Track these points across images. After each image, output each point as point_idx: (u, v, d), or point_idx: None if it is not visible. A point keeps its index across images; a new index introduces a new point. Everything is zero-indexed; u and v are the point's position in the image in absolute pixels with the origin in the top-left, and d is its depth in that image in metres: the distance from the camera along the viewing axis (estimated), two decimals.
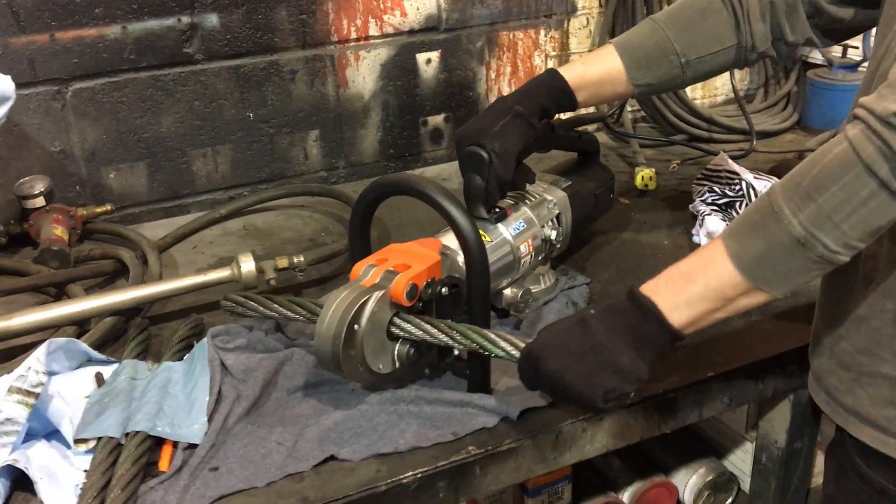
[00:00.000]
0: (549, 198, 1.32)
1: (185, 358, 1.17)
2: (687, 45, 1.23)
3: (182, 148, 1.71)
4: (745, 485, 1.45)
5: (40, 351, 1.07)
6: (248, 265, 1.31)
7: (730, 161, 1.63)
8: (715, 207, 1.56)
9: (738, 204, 1.53)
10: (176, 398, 1.10)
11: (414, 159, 1.96)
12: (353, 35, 1.78)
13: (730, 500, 1.46)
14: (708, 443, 1.51)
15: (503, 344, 1.01)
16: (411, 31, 1.84)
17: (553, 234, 1.29)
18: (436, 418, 1.08)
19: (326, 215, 1.72)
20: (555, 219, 1.32)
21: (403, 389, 1.12)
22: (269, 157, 1.80)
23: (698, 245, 1.51)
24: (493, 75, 1.97)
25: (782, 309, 1.29)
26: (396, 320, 1.06)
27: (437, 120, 1.95)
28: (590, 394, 0.93)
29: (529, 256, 1.27)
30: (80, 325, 1.24)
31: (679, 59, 1.23)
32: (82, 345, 1.15)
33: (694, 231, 1.54)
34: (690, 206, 1.62)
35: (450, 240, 1.18)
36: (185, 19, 1.62)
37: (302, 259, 1.36)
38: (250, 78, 1.72)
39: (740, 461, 1.46)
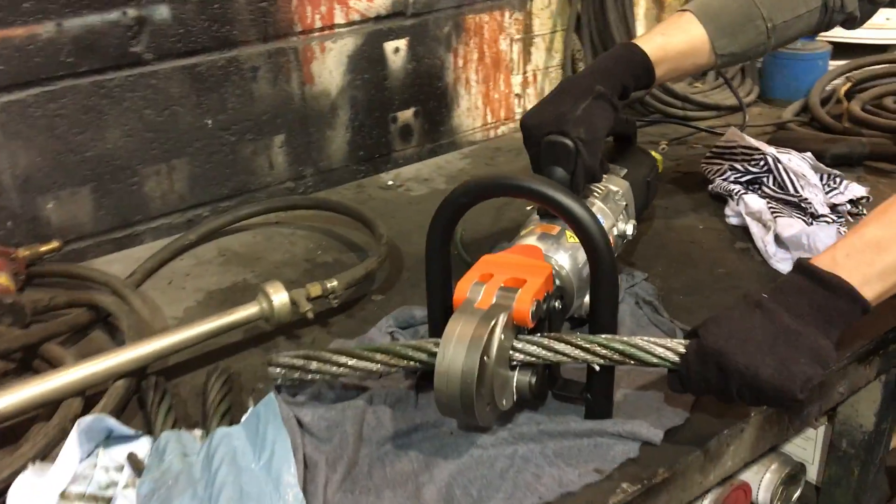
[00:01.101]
0: (615, 189, 1.18)
1: (243, 420, 0.94)
2: (773, 7, 1.12)
3: (132, 166, 1.44)
4: (810, 473, 1.37)
5: (74, 439, 0.82)
6: (280, 297, 1.09)
7: (745, 137, 1.55)
8: (741, 186, 1.48)
9: (765, 179, 1.46)
10: (253, 474, 0.87)
11: (384, 160, 1.76)
12: (318, 24, 1.57)
13: (798, 492, 1.38)
14: None
15: (658, 350, 0.86)
16: (378, 18, 1.65)
17: (628, 228, 1.16)
18: (567, 455, 0.91)
19: (311, 230, 1.50)
20: (623, 211, 1.18)
21: (517, 426, 0.95)
22: (230, 169, 1.55)
23: (735, 227, 1.42)
24: (460, 63, 1.81)
25: None
26: (519, 345, 0.89)
27: (406, 115, 1.76)
28: (790, 386, 0.80)
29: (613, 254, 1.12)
30: (81, 395, 0.98)
31: (765, 24, 1.13)
32: (109, 420, 0.90)
33: (727, 211, 1.45)
34: (710, 186, 1.53)
35: (541, 244, 1.02)
36: (132, 12, 1.36)
37: (336, 283, 1.15)
38: (207, 78, 1.47)
39: (801, 449, 1.39)
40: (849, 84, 1.95)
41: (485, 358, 0.84)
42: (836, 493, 1.30)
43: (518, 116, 1.98)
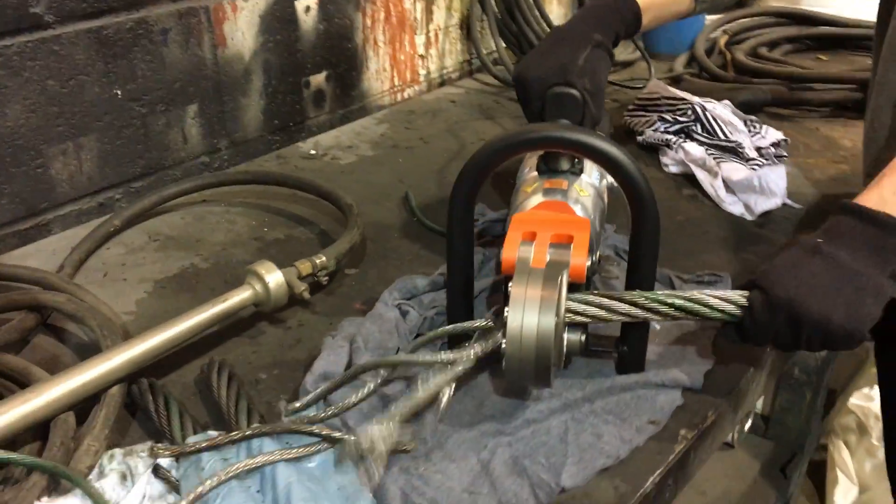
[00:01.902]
0: None
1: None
2: None
3: (36, 146, 1.25)
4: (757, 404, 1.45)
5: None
6: (275, 277, 0.99)
7: (669, 87, 1.59)
8: (672, 136, 1.52)
9: (694, 128, 1.50)
10: (309, 470, 0.79)
11: (298, 129, 1.65)
12: None
13: (749, 424, 1.46)
14: None
15: (719, 303, 0.86)
16: None
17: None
18: (617, 411, 0.90)
19: (247, 207, 1.38)
20: None
21: (558, 390, 0.92)
22: (142, 144, 1.39)
23: (676, 175, 1.46)
24: (368, 22, 1.72)
25: (815, 220, 1.29)
26: (580, 306, 0.85)
27: (319, 80, 1.66)
28: (861, 328, 0.81)
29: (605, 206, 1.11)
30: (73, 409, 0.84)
31: None
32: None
33: (665, 161, 1.49)
34: (640, 138, 1.56)
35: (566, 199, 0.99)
36: None
37: (325, 259, 1.06)
38: (115, 43, 1.30)
39: None
40: (726, 37, 2.06)
41: (557, 319, 0.80)
42: (788, 419, 1.39)
43: (423, 78, 1.92)
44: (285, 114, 1.61)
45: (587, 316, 0.85)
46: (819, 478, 2.01)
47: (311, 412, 0.86)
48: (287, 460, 0.78)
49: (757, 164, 1.42)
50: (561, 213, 0.93)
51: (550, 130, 0.88)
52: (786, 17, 2.17)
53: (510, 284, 0.82)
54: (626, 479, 0.82)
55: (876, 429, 1.96)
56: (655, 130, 1.53)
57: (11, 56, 1.18)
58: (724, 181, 1.36)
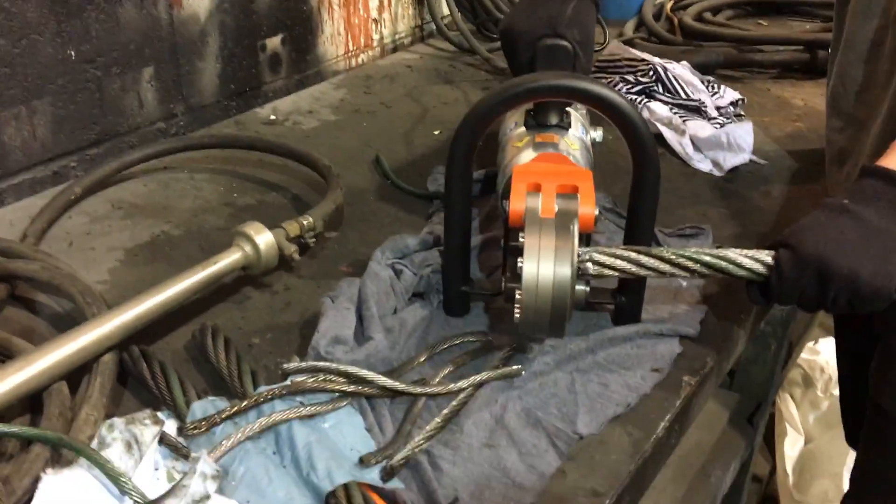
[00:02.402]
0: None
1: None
2: None
3: None
4: None
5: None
6: (265, 238, 0.96)
7: (629, 49, 1.60)
8: (635, 96, 1.53)
9: (656, 88, 1.52)
10: (320, 431, 0.77)
11: (255, 94, 1.60)
12: None
13: None
14: None
15: (746, 262, 0.85)
16: None
17: (598, 135, 1.15)
18: (620, 361, 0.91)
19: (211, 173, 1.33)
20: (587, 116, 1.17)
21: (559, 344, 0.92)
22: (98, 109, 1.32)
23: None
24: None
25: (781, 173, 1.33)
26: (603, 257, 0.85)
27: (274, 43, 1.61)
28: (888, 285, 0.81)
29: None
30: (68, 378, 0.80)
31: None
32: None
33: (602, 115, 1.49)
34: None
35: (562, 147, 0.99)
36: None
37: (311, 219, 1.03)
38: (67, 1, 1.23)
39: None
40: (672, 2, 2.09)
41: (571, 269, 0.80)
42: (754, 371, 1.42)
43: (376, 43, 1.89)
44: (242, 78, 1.56)
45: (615, 269, 0.85)
46: (768, 430, 2.09)
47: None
48: (301, 419, 0.76)
49: (718, 123, 1.45)
50: (562, 164, 0.92)
51: (555, 79, 0.87)
52: None
53: (522, 235, 0.81)
54: (637, 425, 0.83)
55: (821, 381, 2.05)
56: (617, 91, 1.54)
57: None
58: (691, 139, 1.37)
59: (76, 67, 1.27)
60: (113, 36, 1.31)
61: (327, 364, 0.83)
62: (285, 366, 0.83)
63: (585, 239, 0.88)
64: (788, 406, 2.02)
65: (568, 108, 1.07)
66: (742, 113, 1.54)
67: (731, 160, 1.32)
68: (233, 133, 1.45)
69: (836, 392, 2.01)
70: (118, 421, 0.76)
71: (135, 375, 0.85)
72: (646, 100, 1.49)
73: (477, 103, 0.89)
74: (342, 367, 0.82)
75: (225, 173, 1.33)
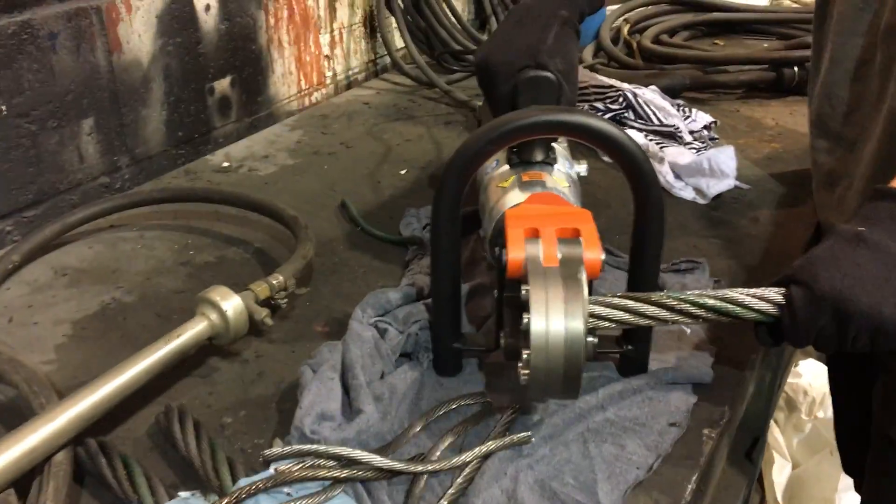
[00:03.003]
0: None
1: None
2: None
3: None
4: None
5: None
6: (232, 304, 0.86)
7: (596, 75, 1.55)
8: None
9: (627, 114, 1.47)
10: None
11: (204, 140, 1.50)
12: None
13: None
14: None
15: (755, 303, 0.77)
16: None
17: (582, 169, 1.07)
18: (636, 417, 0.83)
19: (163, 230, 1.22)
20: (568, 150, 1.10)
21: (564, 402, 0.84)
22: (34, 167, 1.21)
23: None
24: (272, 21, 1.59)
25: (765, 198, 1.28)
26: (600, 308, 0.77)
27: (223, 85, 1.51)
28: None
29: None
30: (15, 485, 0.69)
31: None
32: None
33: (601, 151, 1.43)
34: None
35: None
36: None
37: (281, 278, 0.93)
38: None
39: None
40: (628, 25, 2.05)
41: (584, 323, 0.72)
42: (751, 404, 1.36)
43: (329, 80, 1.80)
44: (189, 124, 1.46)
45: (612, 321, 0.77)
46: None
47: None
48: None
49: (694, 148, 1.40)
50: (556, 206, 0.85)
51: (549, 114, 0.80)
52: (681, 4, 2.19)
53: (525, 287, 0.73)
54: (664, 490, 0.75)
55: (805, 404, 2.01)
56: (617, 125, 1.48)
57: None
58: (670, 166, 1.32)
59: (8, 123, 1.16)
60: (48, 87, 1.20)
61: (314, 447, 0.73)
62: (266, 452, 0.73)
63: (590, 287, 0.80)
64: (773, 432, 1.97)
65: (553, 143, 1.01)
66: (716, 136, 1.50)
67: (714, 187, 1.27)
68: (186, 185, 1.35)
69: (821, 414, 1.98)
70: None
71: (93, 473, 0.74)
72: (628, 129, 1.44)
73: (464, 144, 0.81)
74: (332, 450, 0.73)
75: (178, 229, 1.22)
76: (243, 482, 0.70)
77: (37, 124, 1.20)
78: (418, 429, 0.80)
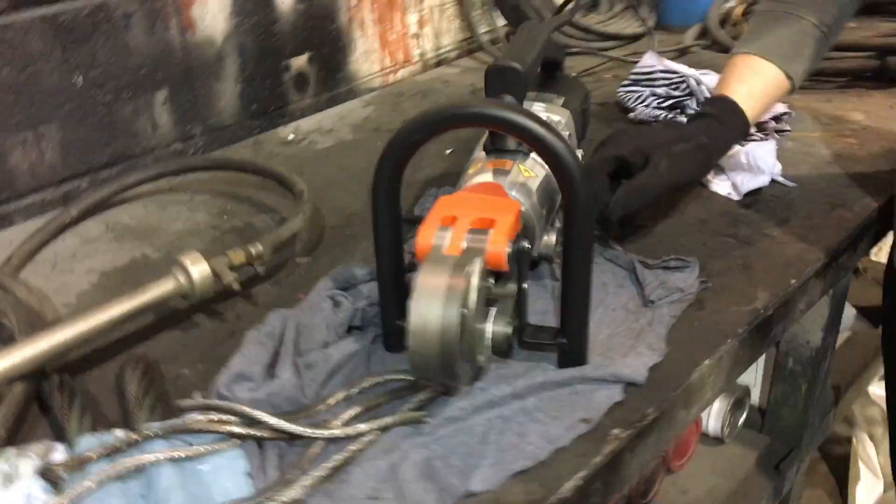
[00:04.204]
0: (556, 118, 1.09)
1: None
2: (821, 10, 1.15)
3: None
4: (754, 397, 1.36)
5: None
6: (200, 268, 0.95)
7: (664, 60, 1.50)
8: (665, 112, 1.42)
9: (688, 102, 1.41)
10: (196, 474, 0.75)
11: (280, 113, 1.61)
12: None
13: (744, 416, 1.37)
14: None
15: None
16: None
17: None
18: (549, 408, 0.83)
19: (213, 195, 1.34)
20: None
21: (489, 386, 0.86)
22: (108, 133, 1.37)
23: None
24: (353, 2, 1.67)
25: (804, 203, 1.20)
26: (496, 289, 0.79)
27: (300, 62, 1.61)
28: None
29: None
30: None
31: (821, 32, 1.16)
32: None
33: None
34: (631, 115, 1.47)
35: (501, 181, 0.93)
36: None
37: (261, 248, 1.01)
38: (72, 30, 1.28)
39: (748, 372, 1.37)
40: (745, 5, 1.94)
41: (464, 311, 0.74)
42: (784, 412, 1.29)
43: (417, 58, 1.86)
44: (265, 98, 1.57)
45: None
46: (841, 473, 1.89)
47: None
48: (174, 460, 0.74)
49: (754, 139, 1.33)
50: (489, 196, 0.86)
51: (465, 107, 0.81)
52: None
53: (417, 273, 0.76)
54: (542, 482, 0.75)
55: None
56: (647, 106, 1.44)
57: None
58: None
59: (84, 93, 1.31)
60: (122, 61, 1.35)
61: (221, 403, 0.80)
62: (179, 402, 0.81)
63: (494, 276, 0.81)
64: (866, 447, 1.82)
65: None
66: (786, 129, 1.41)
67: (748, 183, 1.20)
68: (221, 156, 1.46)
69: None
70: (11, 451, 0.77)
71: (47, 406, 0.86)
72: (668, 116, 1.39)
73: (396, 132, 0.84)
74: (236, 407, 0.79)
75: (224, 195, 1.34)
76: (154, 426, 0.78)
77: (111, 94, 1.35)
78: (339, 398, 0.85)
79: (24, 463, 0.75)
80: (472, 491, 0.74)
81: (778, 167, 1.26)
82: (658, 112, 1.41)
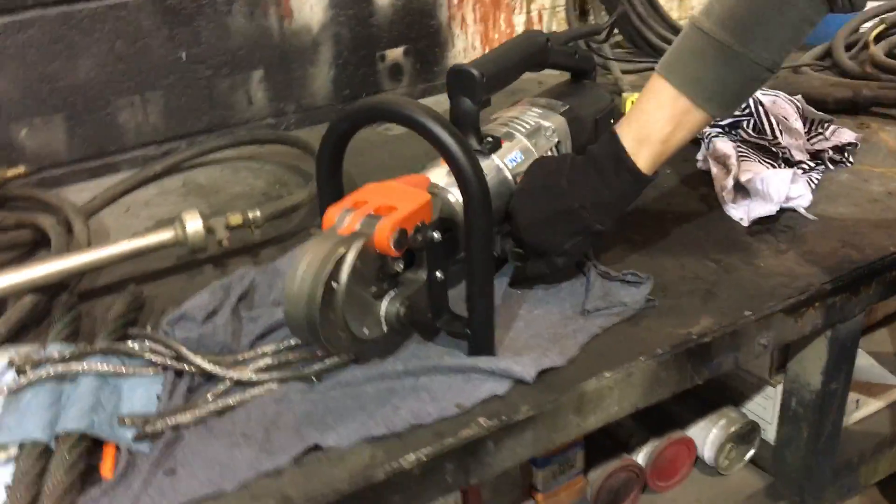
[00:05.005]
0: (547, 124, 1.13)
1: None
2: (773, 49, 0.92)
3: (105, 97, 1.47)
4: (769, 433, 1.30)
5: None
6: (194, 224, 1.10)
7: None
8: (719, 129, 1.39)
9: (744, 123, 1.37)
10: (117, 387, 0.90)
11: None
12: None
13: (752, 452, 1.32)
14: (724, 390, 1.36)
15: None
16: None
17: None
18: (435, 389, 0.90)
19: (279, 166, 1.51)
20: (554, 148, 1.13)
21: (393, 359, 0.94)
22: (207, 103, 1.57)
23: (705, 172, 1.34)
24: (455, 0, 1.76)
25: (815, 237, 1.15)
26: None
27: (396, 54, 1.74)
28: None
29: None
30: None
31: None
32: None
33: (698, 156, 1.37)
34: None
35: (438, 175, 1.00)
36: None
37: (258, 214, 1.16)
38: (179, 11, 1.49)
39: (761, 408, 1.32)
40: (882, 26, 1.80)
41: (333, 283, 0.82)
42: (787, 454, 1.24)
43: None
44: (357, 85, 1.71)
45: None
46: None
47: None
48: (100, 374, 0.90)
49: (802, 168, 1.27)
50: (406, 186, 0.93)
51: (374, 104, 0.90)
52: None
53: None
54: (388, 450, 0.83)
55: None
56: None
57: (82, 19, 1.41)
58: (735, 181, 1.23)
59: (186, 67, 1.53)
60: (223, 42, 1.54)
61: (159, 335, 0.95)
62: (130, 330, 0.97)
63: (385, 262, 0.88)
64: None
65: (496, 135, 1.07)
66: (849, 159, 1.33)
67: (755, 210, 1.16)
68: (279, 132, 1.62)
69: None
70: (8, 348, 0.97)
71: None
72: (714, 134, 1.36)
73: (329, 124, 0.94)
74: (167, 340, 0.94)
75: (287, 167, 1.50)
76: (101, 344, 0.95)
77: (211, 70, 1.55)
78: (267, 351, 0.97)
79: (2, 355, 0.94)
80: (323, 444, 0.83)
81: (807, 198, 1.20)
82: (708, 129, 1.38)
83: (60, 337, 0.98)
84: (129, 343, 0.95)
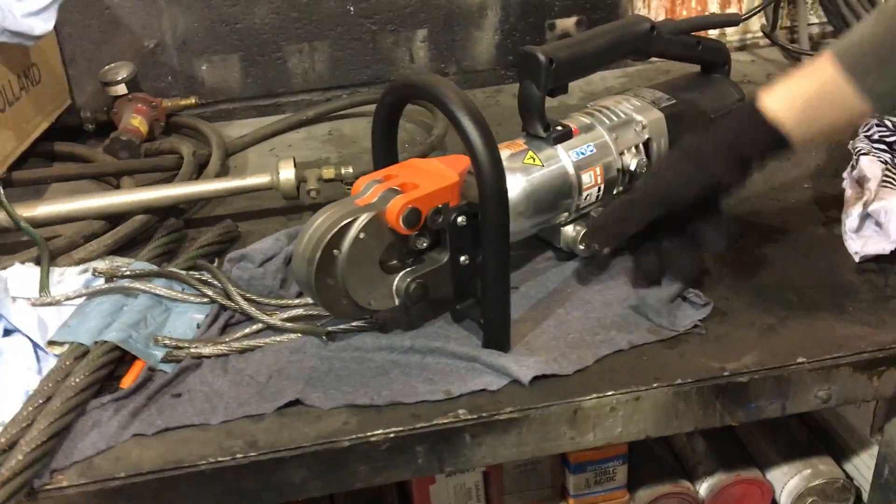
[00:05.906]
0: (640, 118, 1.06)
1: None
2: None
3: (277, 42, 1.59)
4: (866, 495, 1.15)
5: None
6: (286, 173, 1.18)
7: None
8: (882, 145, 1.21)
9: None
10: (168, 310, 1.00)
11: None
12: None
13: None
14: (826, 439, 1.22)
15: None
16: None
17: (634, 164, 1.04)
18: (433, 371, 0.90)
19: (420, 125, 1.55)
20: (642, 145, 1.06)
21: (413, 333, 0.96)
22: (370, 57, 1.64)
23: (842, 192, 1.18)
24: None
25: None
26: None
27: (567, 24, 1.69)
28: None
29: (597, 189, 1.03)
30: (110, 221, 1.18)
31: None
32: None
33: (845, 174, 1.21)
34: (851, 141, 1.28)
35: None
36: None
37: (350, 171, 1.21)
38: None
39: (865, 467, 1.16)
40: None
41: (334, 251, 0.85)
42: None
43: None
44: None
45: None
46: None
47: None
48: (154, 294, 1.00)
49: None
50: (443, 166, 0.93)
51: (412, 81, 0.90)
52: None
53: None
54: (362, 419, 0.85)
55: None
56: (866, 135, 1.24)
57: None
58: (864, 208, 1.07)
59: (353, 20, 1.60)
60: (390, 0, 1.60)
61: (215, 269, 1.04)
62: (199, 261, 1.07)
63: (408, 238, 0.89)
64: None
65: (570, 124, 1.02)
66: None
67: (867, 246, 1.01)
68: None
69: None
70: (111, 259, 1.11)
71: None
72: (865, 153, 1.18)
73: (381, 96, 0.96)
74: (221, 275, 1.03)
75: (428, 126, 1.53)
76: (167, 269, 1.06)
77: (377, 25, 1.62)
78: (303, 301, 1.02)
79: (100, 264, 1.08)
80: (304, 401, 0.87)
81: None
82: (862, 145, 1.20)
83: (152, 255, 1.11)
84: (192, 272, 1.05)
